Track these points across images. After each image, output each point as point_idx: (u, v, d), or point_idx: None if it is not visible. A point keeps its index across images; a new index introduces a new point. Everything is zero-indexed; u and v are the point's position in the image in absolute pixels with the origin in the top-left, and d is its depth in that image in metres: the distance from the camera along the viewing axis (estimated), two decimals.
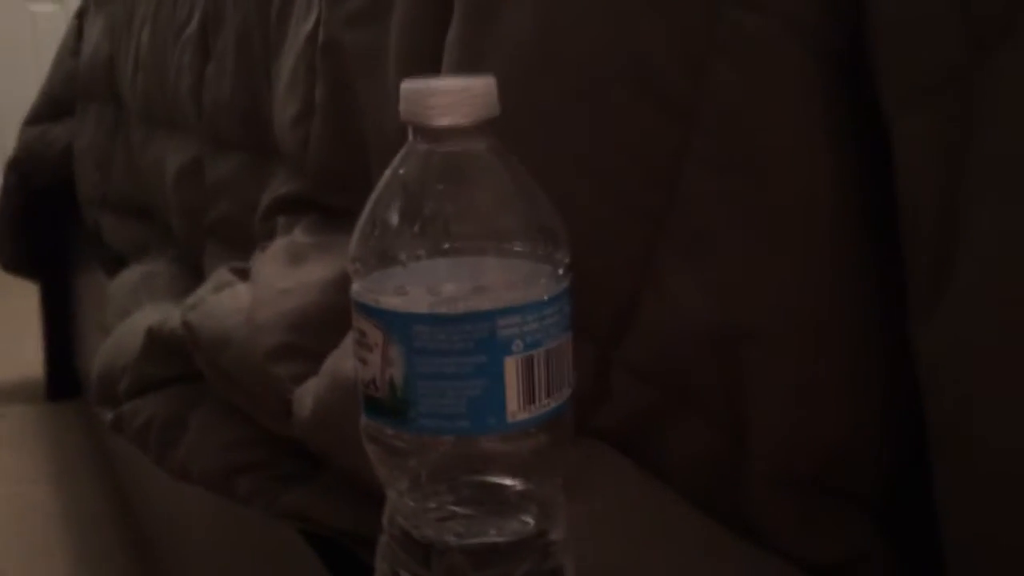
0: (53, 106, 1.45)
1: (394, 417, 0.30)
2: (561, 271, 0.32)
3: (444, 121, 0.30)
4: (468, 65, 0.45)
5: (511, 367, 0.29)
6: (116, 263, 1.12)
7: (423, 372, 0.29)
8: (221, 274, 0.65)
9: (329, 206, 0.65)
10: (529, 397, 0.30)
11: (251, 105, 0.77)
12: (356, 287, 0.31)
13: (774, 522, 0.39)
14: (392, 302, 0.30)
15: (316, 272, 0.56)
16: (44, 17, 2.66)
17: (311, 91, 0.63)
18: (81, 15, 1.44)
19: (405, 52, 0.53)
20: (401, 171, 0.31)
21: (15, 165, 1.48)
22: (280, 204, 0.68)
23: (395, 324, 0.30)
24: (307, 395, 0.50)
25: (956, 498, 0.32)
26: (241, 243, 0.76)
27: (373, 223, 0.31)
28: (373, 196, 0.31)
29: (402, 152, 0.31)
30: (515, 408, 0.30)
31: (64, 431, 1.44)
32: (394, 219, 0.31)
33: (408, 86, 0.30)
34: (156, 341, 0.67)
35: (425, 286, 0.30)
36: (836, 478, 0.39)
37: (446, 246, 0.30)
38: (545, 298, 0.30)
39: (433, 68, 0.49)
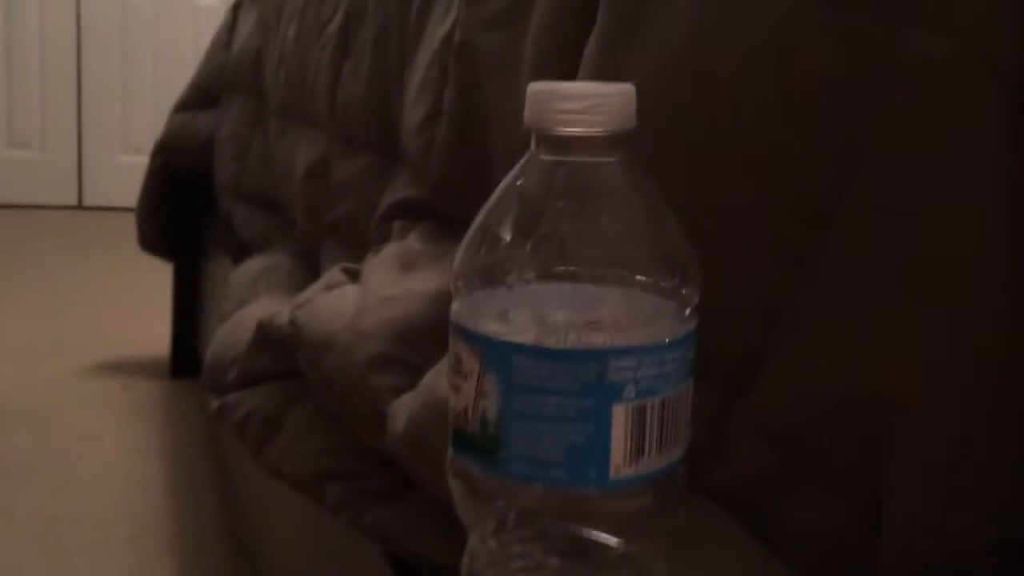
0: (201, 95, 1.51)
1: (483, 455, 0.27)
2: (688, 311, 0.28)
3: (572, 129, 0.27)
4: (607, 77, 0.42)
5: (620, 416, 0.26)
6: (243, 252, 1.15)
7: (520, 410, 0.26)
8: (333, 274, 0.64)
9: (447, 214, 0.63)
10: (637, 451, 0.26)
11: (383, 106, 0.76)
12: (456, 306, 0.28)
13: None
14: (492, 328, 0.27)
15: (425, 282, 0.54)
16: (207, 11, 2.80)
17: (441, 94, 0.61)
18: (236, 8, 1.49)
19: (541, 58, 0.51)
20: (519, 182, 0.28)
21: (160, 149, 1.54)
22: (398, 208, 0.67)
23: (494, 352, 0.26)
24: (402, 410, 0.48)
25: None
26: (359, 244, 0.75)
27: (482, 237, 0.28)
28: (485, 207, 0.28)
29: (522, 161, 0.28)
30: (620, 462, 0.26)
31: (182, 409, 1.49)
32: (505, 234, 0.28)
33: (535, 88, 0.27)
34: (265, 335, 0.67)
35: (531, 313, 0.26)
36: (987, 574, 0.33)
37: (560, 270, 0.27)
38: (667, 341, 0.26)
39: (569, 77, 0.46)
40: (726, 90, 0.37)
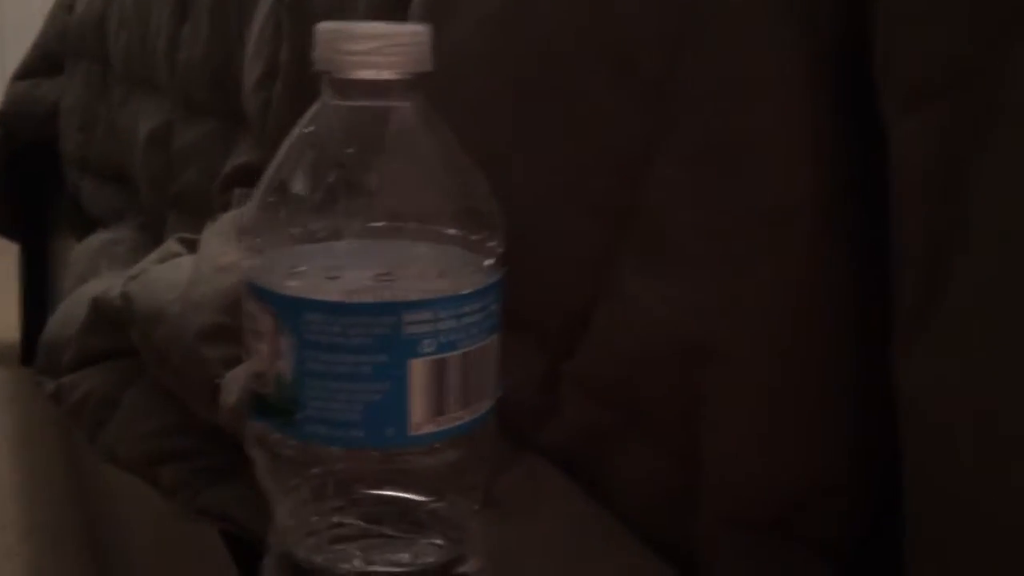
0: (44, 61, 1.41)
1: (281, 420, 0.26)
2: (490, 262, 0.27)
3: (362, 72, 0.25)
4: (430, 21, 0.41)
5: (418, 370, 0.25)
6: (92, 229, 1.08)
7: (314, 369, 0.25)
8: (169, 245, 0.61)
9: None
10: (438, 407, 0.25)
11: (223, 69, 0.72)
12: (248, 264, 0.26)
13: (725, 565, 0.35)
14: (284, 284, 0.25)
15: None
16: None
17: (276, 53, 0.59)
18: None
19: (373, 11, 0.49)
20: (308, 130, 0.26)
21: (1, 120, 1.43)
22: (238, 174, 0.64)
23: (286, 310, 0.25)
24: (235, 381, 0.46)
25: (922, 549, 0.28)
26: (204, 214, 0.71)
27: (273, 190, 0.26)
28: (276, 158, 0.27)
29: (313, 108, 0.27)
30: (419, 419, 0.25)
31: (34, 398, 1.40)
32: (297, 187, 0.26)
33: (323, 28, 0.26)
34: (100, 312, 0.63)
35: (325, 269, 0.25)
36: (798, 522, 0.34)
37: (354, 223, 0.25)
38: (466, 292, 0.25)
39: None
40: (543, 43, 0.37)
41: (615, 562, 0.35)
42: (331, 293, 0.25)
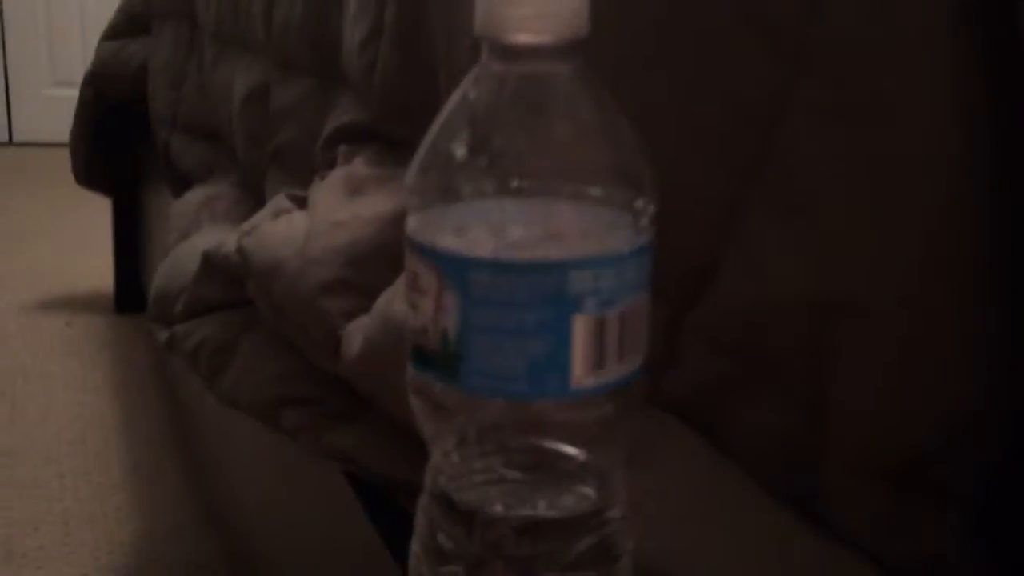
0: (131, 23, 1.45)
1: (444, 372, 0.27)
2: (644, 222, 0.28)
3: (524, 38, 0.26)
4: None
5: (580, 327, 0.26)
6: (184, 183, 1.12)
7: (480, 325, 0.26)
8: (279, 201, 0.63)
9: (393, 137, 0.62)
10: (598, 362, 0.26)
11: (321, 28, 0.74)
12: (411, 223, 0.28)
13: (851, 515, 0.35)
14: (450, 243, 0.26)
15: (374, 206, 0.53)
16: None
17: (381, 12, 0.60)
18: None
19: None
20: (471, 95, 0.27)
21: (91, 80, 1.48)
22: (343, 132, 0.65)
23: (452, 268, 0.26)
24: (357, 333, 0.48)
25: None
26: (303, 171, 0.73)
27: (435, 152, 0.28)
28: (437, 122, 0.28)
29: (473, 73, 0.27)
30: (581, 373, 0.26)
31: (129, 344, 1.47)
32: (459, 149, 0.27)
33: None
34: (212, 265, 0.66)
35: (489, 228, 0.26)
36: (925, 473, 0.35)
37: (516, 184, 0.26)
38: (625, 251, 0.26)
39: None
40: None
41: (739, 510, 0.36)
42: (497, 251, 0.26)
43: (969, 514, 0.34)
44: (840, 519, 0.35)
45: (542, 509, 0.29)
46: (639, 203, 0.27)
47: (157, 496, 1.05)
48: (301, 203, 0.62)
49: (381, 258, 0.50)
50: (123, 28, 1.46)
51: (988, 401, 0.33)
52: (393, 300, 0.46)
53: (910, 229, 0.32)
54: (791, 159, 0.35)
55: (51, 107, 2.84)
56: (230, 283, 0.64)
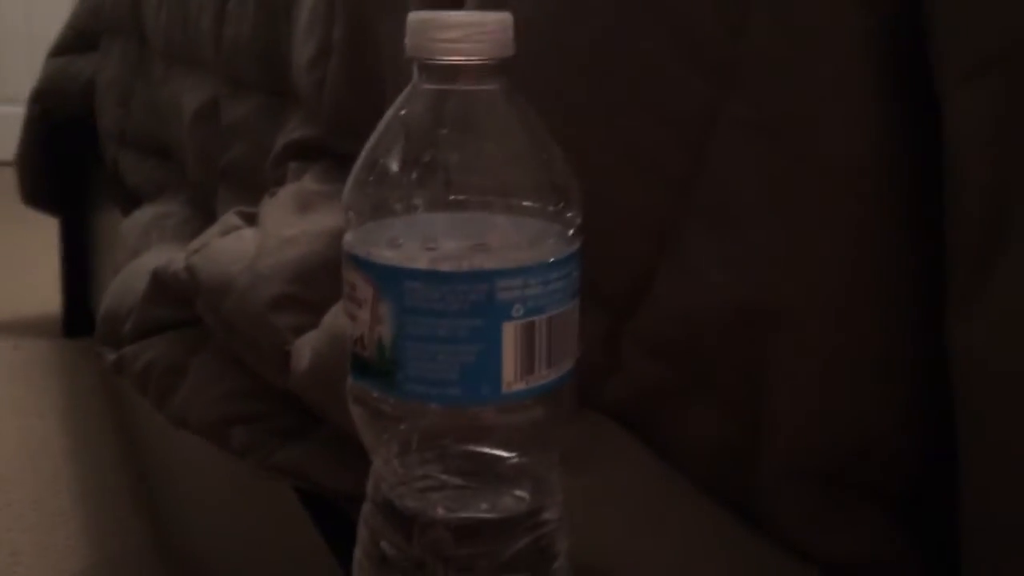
0: (78, 38, 1.43)
1: (381, 380, 0.28)
2: (571, 232, 0.29)
3: (453, 58, 0.27)
4: (492, 6, 0.42)
5: (509, 333, 0.27)
6: (133, 202, 1.11)
7: (413, 333, 0.27)
8: (229, 218, 0.63)
9: (343, 153, 0.63)
10: (527, 367, 0.27)
11: (270, 45, 0.74)
12: (348, 237, 0.29)
13: (787, 515, 0.37)
14: (384, 255, 0.27)
15: (323, 221, 0.54)
16: None
17: (330, 30, 0.60)
18: None
19: None
20: (403, 112, 0.28)
21: (38, 97, 1.46)
22: (293, 149, 0.66)
23: (386, 279, 0.27)
24: (305, 348, 0.49)
25: (974, 496, 0.30)
26: (253, 188, 0.74)
27: (370, 168, 0.29)
28: (372, 138, 0.29)
29: (406, 91, 0.29)
30: (511, 378, 0.27)
31: (77, 367, 1.44)
32: (392, 165, 0.28)
33: (415, 17, 0.28)
34: (160, 283, 0.66)
35: (421, 240, 0.27)
36: (857, 473, 0.36)
37: (447, 198, 0.27)
38: (551, 260, 0.27)
39: (458, 7, 0.46)
40: (605, 19, 0.38)
41: (677, 512, 0.37)
42: (429, 262, 0.27)
43: (896, 512, 0.36)
44: (776, 519, 0.37)
45: (480, 511, 0.30)
46: (566, 214, 0.29)
47: (108, 523, 1.03)
48: (251, 220, 0.62)
49: (330, 273, 0.51)
50: (71, 44, 1.45)
51: (912, 404, 0.34)
52: (340, 314, 0.47)
53: (831, 240, 0.34)
54: (721, 172, 0.36)
55: None
56: (179, 302, 0.64)
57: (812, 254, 0.34)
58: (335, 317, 0.48)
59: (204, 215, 0.89)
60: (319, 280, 0.52)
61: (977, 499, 0.30)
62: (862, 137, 0.33)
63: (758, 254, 0.35)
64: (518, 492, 0.31)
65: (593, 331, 0.41)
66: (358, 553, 0.32)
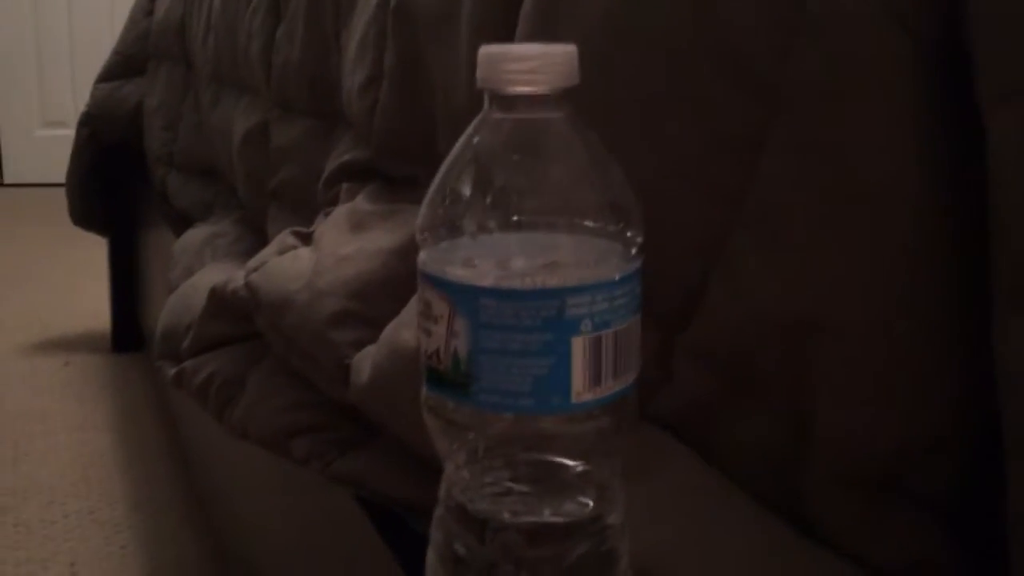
0: (125, 64, 1.48)
1: (456, 391, 0.30)
2: (634, 251, 0.31)
3: (521, 88, 0.29)
4: (542, 36, 0.44)
5: (578, 347, 0.29)
6: (182, 222, 1.14)
7: (488, 347, 0.29)
8: (284, 238, 0.66)
9: (393, 174, 0.65)
10: (595, 378, 0.29)
11: (320, 70, 0.77)
12: (423, 257, 0.31)
13: (835, 521, 0.38)
14: (459, 274, 0.29)
15: (377, 240, 0.56)
16: None
17: (380, 57, 0.63)
18: None
19: (478, 19, 0.52)
20: (474, 140, 0.30)
21: (86, 121, 1.51)
22: (344, 171, 0.68)
23: (462, 296, 0.29)
24: (365, 362, 0.50)
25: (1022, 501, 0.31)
26: (304, 208, 0.76)
27: (443, 192, 0.30)
28: (444, 164, 0.31)
29: (477, 120, 0.31)
30: (580, 389, 0.29)
31: (128, 382, 1.48)
32: (465, 189, 0.30)
33: (486, 51, 0.29)
34: (219, 300, 0.68)
35: (494, 259, 0.29)
36: (904, 479, 0.37)
37: (516, 219, 0.29)
38: (616, 278, 0.29)
39: (507, 37, 0.48)
40: (653, 45, 0.40)
41: (731, 519, 0.39)
42: (502, 280, 0.29)
43: (945, 519, 0.37)
44: (825, 525, 0.38)
45: (546, 515, 0.32)
46: (628, 234, 0.30)
47: (162, 532, 1.06)
48: (305, 239, 0.65)
49: (386, 290, 0.53)
50: (118, 70, 1.49)
51: (959, 413, 0.35)
52: (399, 329, 0.49)
53: (878, 258, 0.35)
54: (771, 190, 0.38)
55: (42, 148, 2.87)
56: (237, 318, 0.66)
57: (860, 271, 0.36)
58: (394, 331, 0.50)
59: (255, 234, 0.92)
60: (376, 296, 0.54)
61: (1022, 506, 0.31)
62: (905, 160, 0.34)
63: (807, 270, 0.37)
64: (582, 498, 0.33)
65: (645, 344, 0.42)
66: (431, 556, 0.33)
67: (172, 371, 0.74)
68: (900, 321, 0.35)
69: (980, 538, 0.36)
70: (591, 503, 0.33)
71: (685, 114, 0.39)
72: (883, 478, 0.37)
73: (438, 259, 0.30)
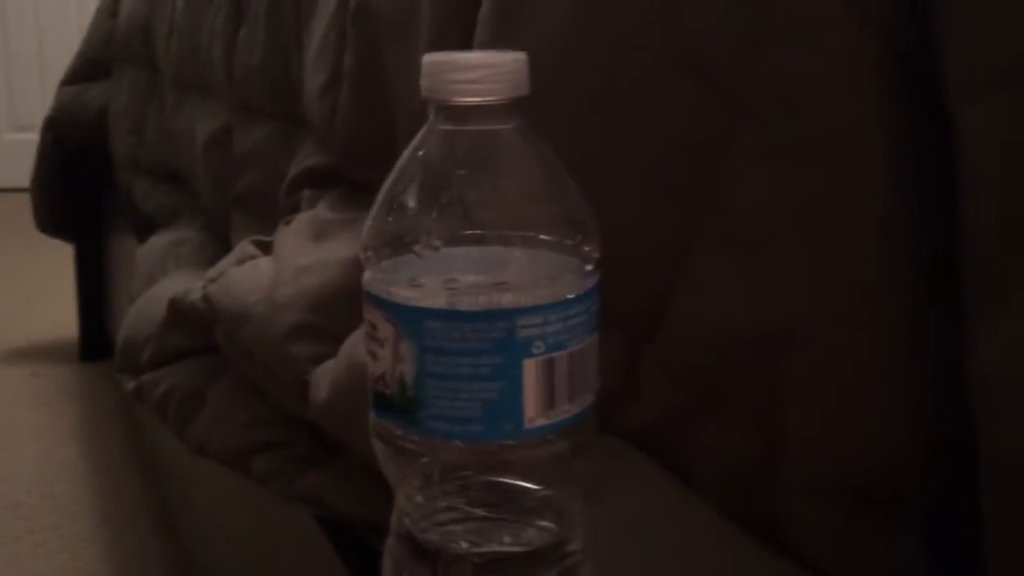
0: (90, 67, 1.45)
1: (403, 417, 0.28)
2: (590, 267, 0.29)
3: (468, 99, 0.27)
4: (501, 40, 0.43)
5: (530, 370, 0.27)
6: (148, 227, 1.12)
7: (435, 371, 0.27)
8: (244, 247, 0.64)
9: (356, 180, 0.63)
10: (548, 402, 0.28)
11: (281, 73, 0.75)
12: (367, 276, 0.29)
13: (807, 535, 0.37)
14: (404, 294, 0.28)
15: (338, 250, 0.54)
16: None
17: (340, 59, 0.61)
18: None
19: (437, 21, 0.51)
20: (420, 152, 0.29)
21: (50, 125, 1.48)
22: (306, 177, 0.66)
23: (407, 318, 0.27)
24: (324, 377, 0.49)
25: (1002, 522, 0.30)
26: (268, 214, 0.74)
27: (388, 208, 0.29)
28: (389, 179, 0.29)
29: (422, 131, 0.29)
30: (533, 413, 0.28)
31: (95, 392, 1.45)
32: (410, 204, 0.28)
33: (430, 59, 0.28)
34: (178, 312, 0.66)
35: (441, 278, 0.28)
36: (876, 492, 0.36)
37: (466, 235, 0.28)
38: (571, 297, 0.28)
39: (465, 40, 0.46)
40: (616, 48, 0.39)
41: (699, 538, 0.37)
42: (449, 301, 0.27)
43: (919, 531, 0.36)
44: (798, 539, 0.37)
45: (504, 544, 0.30)
46: (585, 248, 0.29)
47: (129, 548, 1.04)
48: (266, 248, 0.63)
49: (347, 302, 0.51)
50: (83, 72, 1.46)
51: (933, 422, 0.34)
52: (359, 343, 0.47)
53: (845, 263, 0.34)
54: (735, 197, 0.36)
55: (10, 152, 2.82)
56: (197, 331, 0.65)
57: (826, 276, 0.35)
58: (353, 346, 0.48)
59: (220, 241, 0.90)
60: (336, 309, 0.52)
61: (997, 516, 0.30)
62: (874, 160, 0.33)
63: (773, 277, 0.36)
64: (542, 523, 0.31)
65: (611, 357, 0.41)
66: None
67: (131, 384, 0.72)
68: (873, 326, 0.34)
69: (952, 549, 0.35)
70: (552, 528, 0.31)
71: (646, 120, 0.38)
72: (857, 490, 0.36)
73: (382, 279, 0.28)
